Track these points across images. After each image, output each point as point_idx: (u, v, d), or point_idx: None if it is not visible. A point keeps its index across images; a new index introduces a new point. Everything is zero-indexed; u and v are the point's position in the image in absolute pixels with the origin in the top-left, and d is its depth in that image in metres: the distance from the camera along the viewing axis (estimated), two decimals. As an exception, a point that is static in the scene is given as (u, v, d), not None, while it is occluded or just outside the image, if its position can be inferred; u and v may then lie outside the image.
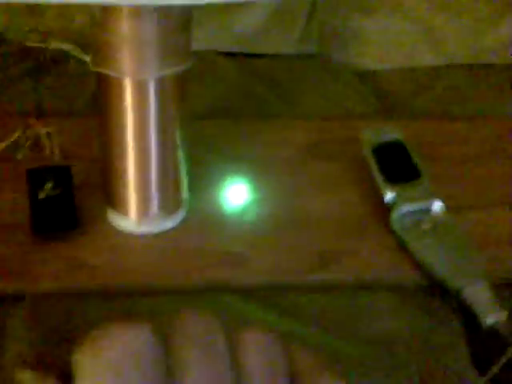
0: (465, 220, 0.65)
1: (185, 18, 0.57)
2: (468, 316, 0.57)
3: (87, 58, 0.59)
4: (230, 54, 0.91)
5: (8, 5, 0.85)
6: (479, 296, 0.56)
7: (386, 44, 0.95)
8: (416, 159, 0.68)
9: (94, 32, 0.57)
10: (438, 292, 0.59)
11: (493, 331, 0.55)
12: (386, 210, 0.66)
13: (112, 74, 0.57)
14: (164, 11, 0.55)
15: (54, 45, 0.60)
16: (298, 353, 0.27)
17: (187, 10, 0.57)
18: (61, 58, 0.81)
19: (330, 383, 0.26)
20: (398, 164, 0.68)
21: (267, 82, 0.87)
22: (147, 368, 0.23)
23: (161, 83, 0.58)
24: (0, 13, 0.85)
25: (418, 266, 0.61)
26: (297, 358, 0.26)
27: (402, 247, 0.62)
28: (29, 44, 0.62)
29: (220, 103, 0.82)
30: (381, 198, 0.66)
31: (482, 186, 0.72)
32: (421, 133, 0.77)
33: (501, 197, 0.70)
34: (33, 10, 0.87)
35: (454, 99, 0.90)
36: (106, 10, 0.55)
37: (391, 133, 0.70)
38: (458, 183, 0.72)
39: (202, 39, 0.86)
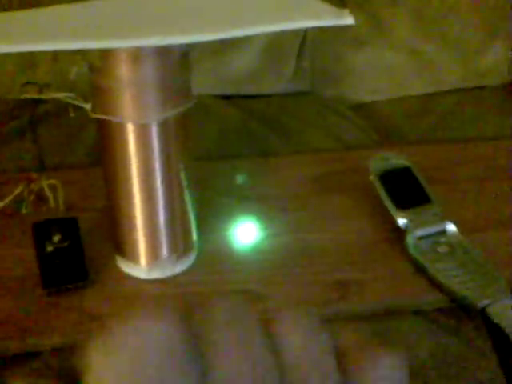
0: (479, 241, 0.65)
1: (183, 59, 0.57)
2: (494, 334, 0.56)
3: (87, 106, 0.58)
4: (224, 97, 0.92)
5: None
6: (505, 313, 0.55)
7: (377, 75, 0.95)
8: (424, 183, 0.68)
9: (94, 79, 0.57)
10: (462, 313, 0.58)
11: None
12: (399, 236, 0.65)
13: (114, 119, 0.57)
14: (163, 53, 0.55)
15: (52, 95, 0.59)
16: (342, 330, 0.23)
17: (185, 51, 0.57)
18: (58, 109, 0.81)
19: (383, 357, 0.22)
20: (407, 189, 0.68)
21: (264, 122, 0.88)
22: (177, 363, 0.19)
23: (164, 126, 0.58)
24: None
25: (439, 288, 0.59)
26: (340, 336, 0.23)
27: (420, 271, 0.61)
28: (24, 97, 0.62)
29: (219, 145, 0.82)
30: (393, 224, 0.66)
31: (489, 206, 0.72)
32: (422, 158, 0.77)
33: (509, 216, 0.70)
34: (25, 65, 0.87)
35: (448, 124, 0.90)
36: (105, 55, 0.55)
37: (397, 159, 0.70)
38: (466, 205, 0.71)
39: (195, 84, 0.86)
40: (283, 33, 0.91)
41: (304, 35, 0.95)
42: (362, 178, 0.71)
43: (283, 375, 0.20)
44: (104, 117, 0.57)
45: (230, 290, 0.60)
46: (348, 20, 0.52)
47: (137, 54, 0.54)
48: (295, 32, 0.93)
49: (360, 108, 0.94)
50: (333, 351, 0.22)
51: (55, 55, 0.86)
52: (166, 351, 0.19)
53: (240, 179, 0.74)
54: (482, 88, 0.98)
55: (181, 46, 0.56)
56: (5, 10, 0.82)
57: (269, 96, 0.94)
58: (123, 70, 0.55)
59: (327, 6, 0.56)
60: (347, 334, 0.23)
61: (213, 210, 0.70)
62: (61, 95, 0.60)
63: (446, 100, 0.95)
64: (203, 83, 0.89)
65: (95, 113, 0.57)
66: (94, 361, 0.19)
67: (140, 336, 0.19)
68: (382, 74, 0.96)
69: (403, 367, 0.22)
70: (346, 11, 0.52)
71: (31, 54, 0.83)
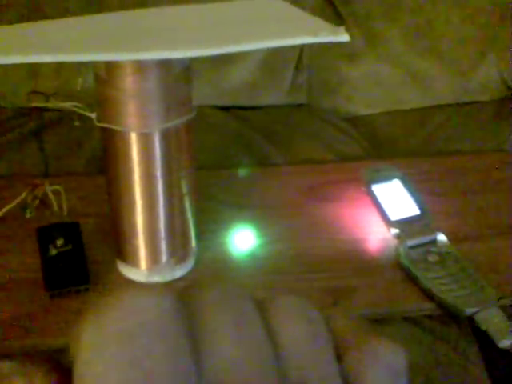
0: (468, 250, 0.67)
1: (185, 72, 0.59)
2: (482, 340, 0.58)
3: (92, 115, 0.60)
4: (223, 108, 0.94)
5: (4, 71, 0.87)
6: (493, 320, 0.57)
7: (373, 89, 0.98)
8: (415, 194, 0.70)
9: (99, 89, 0.59)
10: (451, 320, 0.60)
11: (508, 353, 0.56)
12: (391, 245, 0.67)
13: (118, 128, 0.59)
14: (166, 66, 0.57)
15: (59, 104, 0.61)
16: (339, 319, 0.23)
17: (187, 64, 0.59)
18: (62, 117, 0.83)
19: (382, 345, 0.21)
20: (398, 200, 0.70)
21: (261, 132, 0.90)
22: (167, 339, 0.18)
23: (165, 135, 0.60)
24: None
25: (429, 296, 0.62)
26: (338, 324, 0.22)
27: (411, 279, 0.63)
28: (29, 105, 0.64)
29: (218, 155, 0.84)
30: (385, 233, 0.68)
31: (478, 217, 0.74)
32: (414, 170, 0.79)
33: (499, 227, 0.72)
34: (29, 75, 0.89)
35: (440, 138, 0.93)
36: (111, 67, 0.57)
37: (389, 171, 0.72)
38: (456, 216, 0.73)
39: (195, 95, 0.88)
40: (281, 47, 0.93)
41: (301, 49, 0.97)
42: (356, 189, 0.74)
43: (280, 362, 0.20)
44: (108, 126, 0.59)
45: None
46: (343, 37, 0.54)
47: (141, 67, 0.57)
48: (293, 46, 0.96)
49: (355, 120, 0.96)
50: (330, 338, 0.21)
51: (59, 66, 0.88)
52: (158, 332, 0.18)
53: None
54: (474, 103, 1.00)
55: (183, 59, 0.58)
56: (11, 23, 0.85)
57: (266, 108, 0.96)
58: (128, 82, 0.57)
59: (323, 23, 0.58)
60: (347, 324, 0.23)
61: (212, 217, 0.72)
62: (67, 104, 0.62)
63: (440, 114, 0.97)
64: (203, 95, 0.91)
65: (100, 122, 0.59)
66: (84, 338, 0.19)
67: (132, 314, 0.19)
68: (377, 88, 0.98)
69: (403, 356, 0.21)
70: (342, 28, 0.54)
71: (36, 64, 0.85)
